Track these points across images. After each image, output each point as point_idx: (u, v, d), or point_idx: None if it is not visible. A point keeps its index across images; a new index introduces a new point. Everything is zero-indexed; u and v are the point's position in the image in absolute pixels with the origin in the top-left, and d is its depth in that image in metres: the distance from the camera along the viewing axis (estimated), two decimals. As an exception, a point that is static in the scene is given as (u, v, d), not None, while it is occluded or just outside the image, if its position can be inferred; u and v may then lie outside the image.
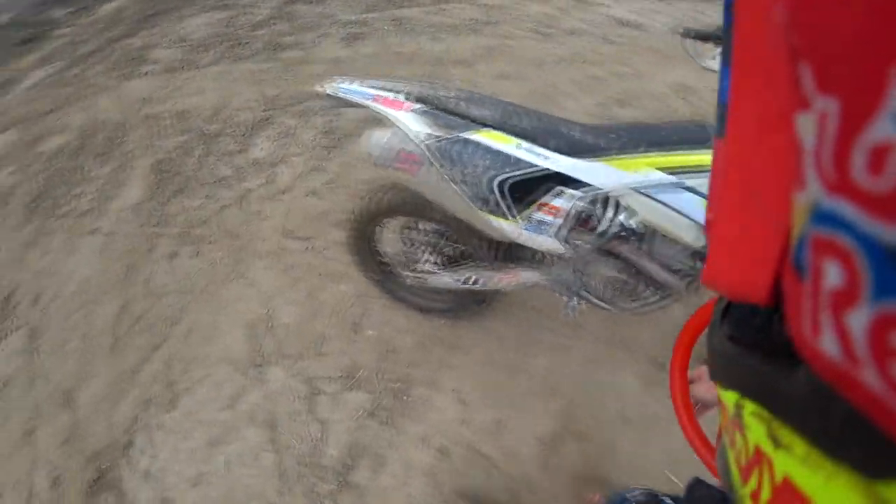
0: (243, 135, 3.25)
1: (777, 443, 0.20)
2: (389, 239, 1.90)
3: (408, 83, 1.37)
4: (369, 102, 1.30)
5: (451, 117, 1.28)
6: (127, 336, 2.32)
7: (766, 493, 0.21)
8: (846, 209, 0.12)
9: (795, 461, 0.18)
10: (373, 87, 1.33)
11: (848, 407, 0.14)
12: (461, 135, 1.26)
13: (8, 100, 5.62)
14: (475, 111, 1.28)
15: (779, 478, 0.20)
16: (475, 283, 1.67)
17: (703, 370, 0.69)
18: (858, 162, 0.12)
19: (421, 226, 1.76)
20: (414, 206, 1.59)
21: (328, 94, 1.36)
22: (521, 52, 3.71)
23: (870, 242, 0.12)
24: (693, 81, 3.40)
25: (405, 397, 1.83)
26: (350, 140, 2.91)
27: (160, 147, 3.50)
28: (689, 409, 0.52)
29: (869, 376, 0.13)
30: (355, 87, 1.34)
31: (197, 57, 4.63)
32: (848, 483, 0.16)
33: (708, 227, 0.25)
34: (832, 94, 0.12)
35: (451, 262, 1.73)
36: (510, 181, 1.25)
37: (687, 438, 0.51)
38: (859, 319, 0.12)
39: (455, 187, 1.30)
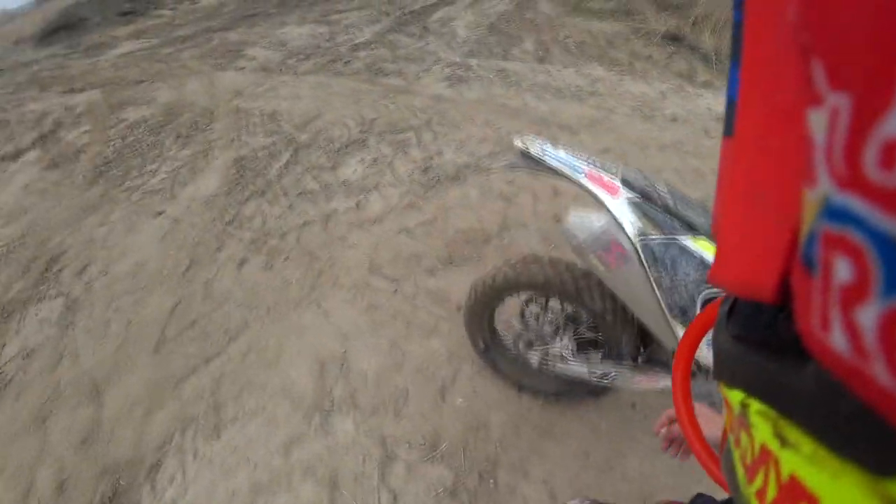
0: (336, 151, 3.13)
1: (783, 441, 0.20)
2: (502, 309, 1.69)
3: (616, 164, 1.21)
4: (580, 178, 1.14)
5: (666, 216, 1.13)
6: (177, 338, 2.10)
7: (772, 492, 0.20)
8: (857, 204, 0.12)
9: (802, 459, 0.18)
10: (585, 161, 1.15)
11: (856, 404, 0.14)
12: (678, 238, 1.09)
13: (98, 61, 5.71)
14: (690, 215, 1.13)
15: (785, 476, 0.19)
16: (609, 378, 1.45)
17: (703, 411, 0.69)
18: (870, 157, 0.12)
19: (552, 304, 1.56)
20: (562, 287, 1.40)
21: (524, 152, 1.19)
22: (624, 129, 3.59)
23: (881, 238, 0.12)
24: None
25: (491, 481, 1.56)
26: (450, 183, 2.76)
27: (246, 143, 3.40)
28: (690, 409, 0.52)
29: (879, 371, 0.13)
30: (563, 154, 1.16)
31: (295, 63, 4.64)
32: (855, 481, 0.16)
33: (715, 225, 0.25)
34: (844, 90, 0.12)
35: (582, 350, 1.53)
36: (714, 299, 1.06)
37: (686, 438, 0.50)
38: (869, 315, 0.12)
39: (656, 291, 1.10)
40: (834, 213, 0.13)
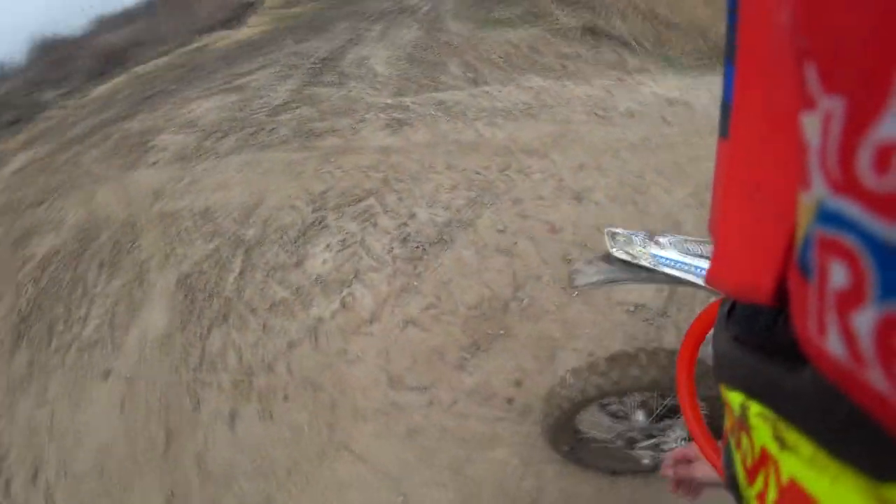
0: (294, 242, 2.75)
1: (783, 444, 0.20)
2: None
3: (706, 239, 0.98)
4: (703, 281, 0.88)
5: None
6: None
7: (772, 495, 0.21)
8: (851, 209, 0.12)
9: (801, 462, 0.18)
10: (698, 253, 0.89)
11: (853, 408, 0.14)
12: None
13: (-18, 189, 4.95)
14: None
15: (785, 479, 0.20)
16: None
17: (695, 451, 0.66)
18: (864, 161, 0.12)
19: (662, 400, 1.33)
20: (672, 383, 1.15)
21: (618, 258, 0.92)
22: (589, 138, 3.45)
23: (875, 242, 0.12)
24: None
25: None
26: (438, 249, 2.45)
27: (185, 256, 2.93)
28: (695, 409, 0.51)
29: (874, 377, 0.13)
30: (671, 252, 0.90)
31: (213, 144, 4.17)
32: (854, 485, 0.16)
33: (711, 228, 0.25)
34: (838, 93, 0.12)
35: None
36: None
37: (693, 438, 0.49)
38: (865, 320, 0.12)
39: None
40: (828, 217, 0.13)
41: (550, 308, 2.09)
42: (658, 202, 2.86)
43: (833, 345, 0.14)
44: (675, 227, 2.67)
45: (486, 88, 4.20)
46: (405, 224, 2.67)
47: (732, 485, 0.26)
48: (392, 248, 2.53)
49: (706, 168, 3.29)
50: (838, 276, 0.13)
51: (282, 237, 2.81)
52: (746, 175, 0.21)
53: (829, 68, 0.12)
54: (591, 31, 5.02)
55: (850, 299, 0.13)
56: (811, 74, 0.13)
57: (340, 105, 4.35)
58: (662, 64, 4.53)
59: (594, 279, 0.99)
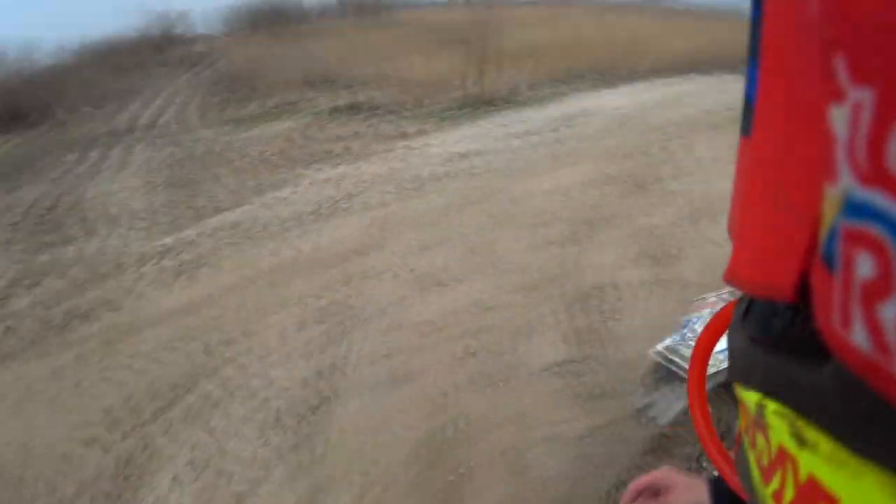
0: (114, 500, 1.89)
1: (801, 441, 0.19)
2: None
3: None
4: None
5: None
6: None
7: (789, 493, 0.20)
8: (880, 199, 0.12)
9: (821, 459, 0.18)
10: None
11: (876, 402, 0.14)
12: None
13: None
14: None
15: (803, 477, 0.19)
16: None
17: (678, 478, 0.67)
18: (893, 151, 0.12)
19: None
20: None
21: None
22: (412, 215, 3.35)
23: None
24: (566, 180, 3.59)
25: None
26: (322, 413, 1.95)
27: None
28: (706, 413, 0.50)
29: None
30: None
31: None
32: (876, 480, 0.16)
33: (731, 225, 0.25)
34: (867, 84, 0.12)
35: None
36: None
37: (703, 444, 0.47)
38: (892, 311, 0.12)
39: None
40: (855, 208, 0.13)
41: (502, 416, 1.84)
42: (511, 252, 2.89)
43: (858, 337, 0.14)
44: (537, 271, 2.70)
45: (277, 194, 3.78)
46: (266, 399, 2.08)
47: (747, 485, 0.25)
48: (266, 438, 1.92)
49: (531, 205, 3.50)
50: (864, 267, 0.13)
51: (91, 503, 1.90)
52: (770, 171, 0.20)
53: (859, 59, 0.12)
54: (356, 108, 5.04)
55: (876, 290, 0.13)
56: (840, 66, 0.13)
57: (99, 263, 3.35)
58: (435, 120, 4.81)
59: (679, 407, 0.83)
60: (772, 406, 0.22)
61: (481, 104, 5.37)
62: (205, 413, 2.08)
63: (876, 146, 0.12)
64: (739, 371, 0.26)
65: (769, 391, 0.23)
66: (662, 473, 0.77)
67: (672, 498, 0.76)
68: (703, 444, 0.50)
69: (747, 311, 0.26)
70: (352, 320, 2.41)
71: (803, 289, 0.18)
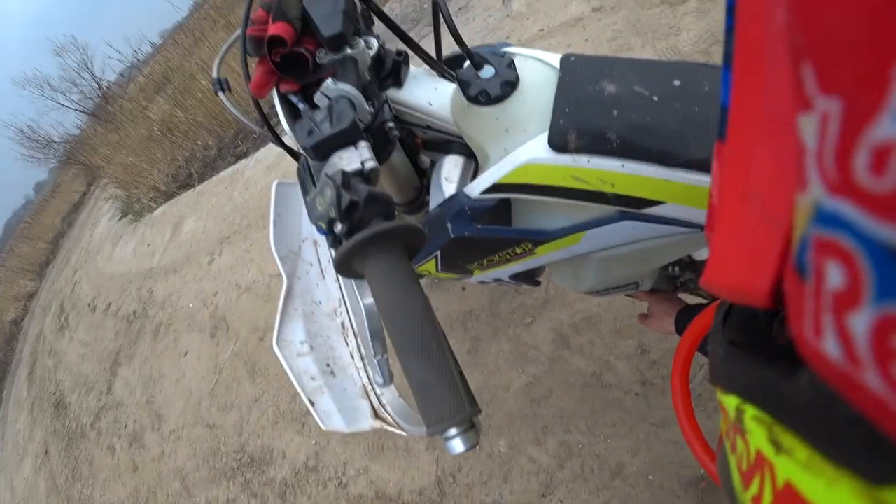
0: None
1: (778, 447, 0.20)
2: None
3: None
4: None
5: None
6: None
7: (767, 498, 0.20)
8: (848, 210, 0.12)
9: (797, 466, 0.18)
10: None
11: (850, 411, 0.14)
12: None
13: None
14: None
15: (780, 483, 0.19)
16: None
17: (657, 307, 0.85)
18: (860, 162, 0.12)
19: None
20: None
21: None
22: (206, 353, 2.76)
23: (871, 244, 0.12)
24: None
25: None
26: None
27: None
28: (690, 415, 0.53)
29: (871, 379, 0.13)
30: None
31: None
32: (850, 488, 0.16)
33: (708, 231, 0.25)
34: (834, 94, 0.12)
35: None
36: None
37: (688, 443, 0.51)
38: (861, 321, 0.12)
39: None
40: (825, 218, 0.13)
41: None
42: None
43: (829, 346, 0.14)
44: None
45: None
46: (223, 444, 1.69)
47: (728, 488, 0.25)
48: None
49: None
50: (835, 277, 0.13)
51: None
52: (743, 177, 0.21)
53: (826, 68, 0.12)
54: (168, 195, 4.65)
55: (846, 300, 0.13)
56: (808, 74, 0.13)
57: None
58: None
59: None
60: (750, 411, 0.22)
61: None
62: None
63: (843, 155, 0.12)
64: (719, 375, 0.26)
65: (748, 396, 0.22)
66: (656, 299, 0.87)
67: (652, 321, 0.86)
68: (689, 443, 0.50)
69: (727, 316, 0.26)
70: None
71: (779, 296, 0.18)
